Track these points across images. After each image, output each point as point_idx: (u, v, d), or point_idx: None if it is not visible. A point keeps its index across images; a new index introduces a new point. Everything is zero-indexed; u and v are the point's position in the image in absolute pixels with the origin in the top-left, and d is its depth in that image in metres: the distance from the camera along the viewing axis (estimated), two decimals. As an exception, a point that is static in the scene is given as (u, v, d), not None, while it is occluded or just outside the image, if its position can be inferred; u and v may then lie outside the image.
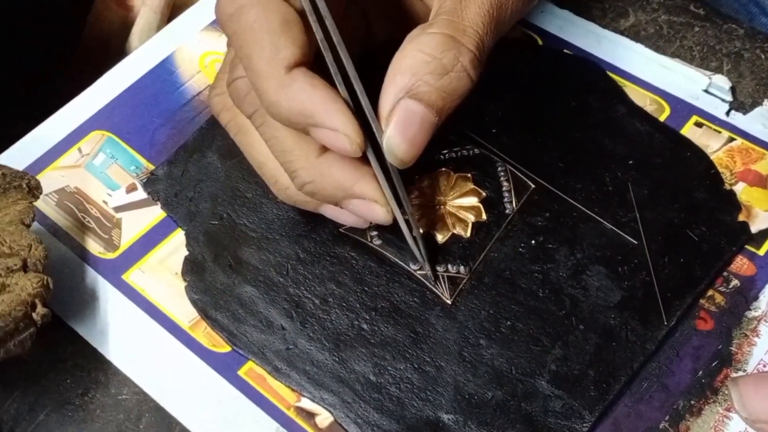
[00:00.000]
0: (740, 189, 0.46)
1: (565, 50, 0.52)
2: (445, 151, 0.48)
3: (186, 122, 0.51)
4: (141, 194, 0.48)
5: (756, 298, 0.43)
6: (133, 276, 0.45)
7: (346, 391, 0.42)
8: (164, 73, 0.53)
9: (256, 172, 0.44)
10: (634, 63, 0.51)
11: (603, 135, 0.48)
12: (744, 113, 0.49)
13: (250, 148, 0.43)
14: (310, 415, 0.41)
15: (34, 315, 0.40)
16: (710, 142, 0.48)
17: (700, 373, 0.42)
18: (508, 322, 0.43)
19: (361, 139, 0.38)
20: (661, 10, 0.53)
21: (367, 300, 0.44)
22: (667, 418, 0.41)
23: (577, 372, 0.41)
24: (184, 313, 0.44)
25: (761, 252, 0.45)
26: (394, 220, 0.42)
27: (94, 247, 0.47)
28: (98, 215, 0.48)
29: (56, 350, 0.44)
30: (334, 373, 0.42)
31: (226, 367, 0.43)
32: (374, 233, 0.45)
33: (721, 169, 0.47)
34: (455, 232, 0.45)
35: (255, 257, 0.45)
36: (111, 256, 0.46)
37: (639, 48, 0.52)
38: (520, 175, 0.47)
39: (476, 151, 0.48)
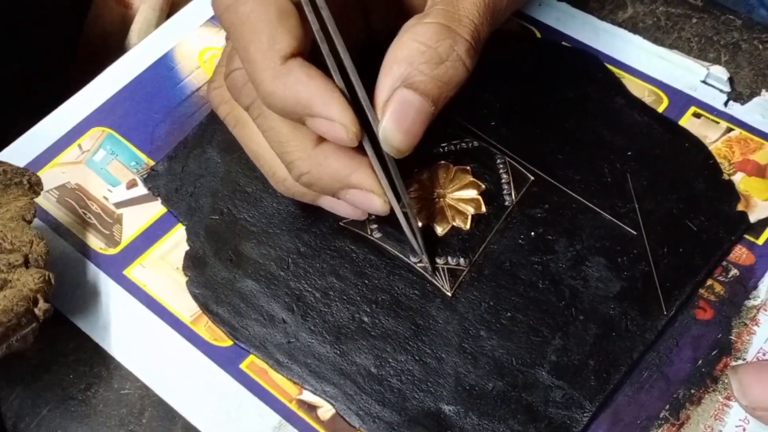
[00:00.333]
0: (739, 179, 0.47)
1: (563, 42, 0.52)
2: (444, 144, 0.48)
3: (186, 118, 0.51)
4: (141, 190, 0.48)
5: (755, 287, 0.43)
6: (134, 271, 0.46)
7: (348, 384, 0.42)
8: (164, 68, 0.53)
9: (256, 167, 0.44)
10: (632, 54, 0.51)
11: (602, 126, 0.49)
12: (742, 104, 0.49)
13: (248, 140, 0.43)
14: (311, 408, 0.42)
15: (36, 310, 0.40)
16: (708, 133, 0.48)
17: (700, 362, 0.42)
18: (509, 314, 0.43)
19: (358, 129, 0.38)
20: (658, 1, 0.53)
21: (368, 293, 0.44)
22: (667, 407, 0.41)
23: (577, 362, 0.42)
24: (186, 307, 0.44)
25: (760, 241, 0.45)
26: (392, 211, 0.42)
27: (95, 242, 0.47)
28: (99, 211, 0.48)
29: (58, 346, 0.44)
30: (335, 366, 0.42)
31: (227, 360, 0.43)
32: (374, 226, 0.45)
33: (719, 160, 0.47)
34: (455, 224, 0.45)
35: (256, 251, 0.46)
36: (112, 251, 0.46)
37: (637, 40, 0.52)
38: (519, 167, 0.47)
39: (475, 143, 0.48)
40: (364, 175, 0.40)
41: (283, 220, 0.46)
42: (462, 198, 0.46)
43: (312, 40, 0.39)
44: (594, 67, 0.51)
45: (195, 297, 0.45)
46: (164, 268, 0.46)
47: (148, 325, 0.44)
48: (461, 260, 0.45)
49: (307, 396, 0.42)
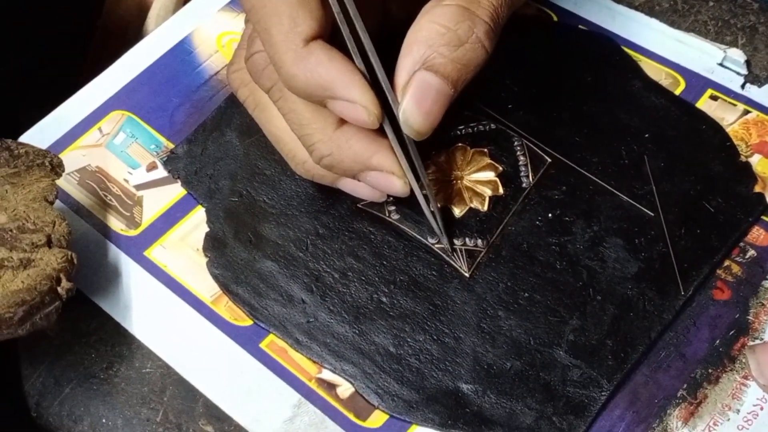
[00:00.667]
0: (756, 161, 0.47)
1: (580, 26, 0.52)
2: (461, 127, 0.48)
3: (204, 101, 0.51)
4: (161, 172, 0.49)
5: (772, 268, 0.44)
6: (155, 252, 0.46)
7: (367, 363, 0.42)
8: (182, 53, 0.53)
9: (275, 149, 0.45)
10: (649, 38, 0.51)
11: (619, 109, 0.49)
12: (759, 86, 0.49)
13: (268, 123, 0.44)
14: (331, 386, 0.42)
15: (59, 289, 0.41)
16: (726, 115, 0.48)
17: (718, 341, 0.42)
18: (526, 294, 0.43)
19: (379, 111, 0.39)
20: (675, -15, 0.53)
21: (386, 273, 0.44)
22: (684, 386, 0.41)
23: (594, 342, 0.42)
24: (206, 287, 0.45)
25: (777, 223, 0.45)
26: (411, 193, 0.42)
27: (116, 224, 0.47)
28: (119, 193, 0.48)
29: (80, 325, 0.44)
30: (354, 345, 0.43)
31: (248, 340, 0.43)
32: (392, 208, 0.46)
33: (736, 142, 0.47)
34: (472, 206, 0.46)
35: (275, 233, 0.46)
36: (133, 233, 0.47)
37: (654, 23, 0.52)
38: (536, 149, 0.47)
39: (492, 126, 0.48)
40: (384, 157, 0.41)
41: (302, 202, 0.47)
42: (479, 180, 0.46)
43: (332, 23, 0.39)
44: (611, 51, 0.51)
45: (215, 277, 0.45)
46: (184, 249, 0.46)
47: (168, 304, 0.45)
48: (479, 241, 0.45)
49: (327, 375, 0.42)
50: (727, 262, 0.44)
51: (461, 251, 0.45)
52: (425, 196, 0.43)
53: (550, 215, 0.45)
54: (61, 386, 0.43)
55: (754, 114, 0.48)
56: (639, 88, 0.49)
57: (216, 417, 0.42)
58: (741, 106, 0.49)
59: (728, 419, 0.40)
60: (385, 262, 0.45)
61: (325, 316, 0.43)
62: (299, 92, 0.39)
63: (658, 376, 0.41)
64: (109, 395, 0.43)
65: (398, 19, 0.45)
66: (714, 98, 0.49)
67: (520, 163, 0.47)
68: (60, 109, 0.51)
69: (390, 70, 0.40)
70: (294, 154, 0.43)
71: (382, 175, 0.41)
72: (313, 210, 0.47)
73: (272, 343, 0.43)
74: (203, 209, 0.47)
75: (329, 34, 0.39)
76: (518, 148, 0.47)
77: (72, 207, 0.48)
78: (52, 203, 0.44)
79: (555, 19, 0.53)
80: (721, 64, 0.50)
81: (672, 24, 0.52)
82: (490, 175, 0.46)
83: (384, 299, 0.44)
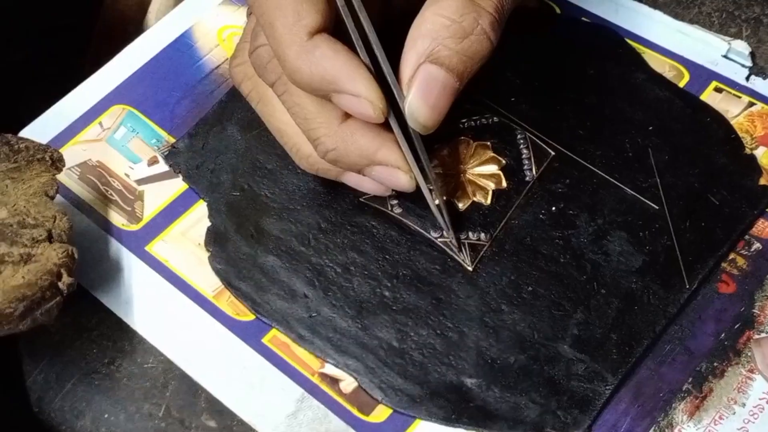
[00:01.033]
0: (761, 153, 0.46)
1: (583, 18, 0.52)
2: (464, 120, 0.48)
3: (205, 95, 0.51)
4: (162, 167, 0.49)
5: (778, 261, 0.43)
6: (156, 247, 0.46)
7: (370, 357, 0.42)
8: (183, 47, 0.53)
9: (276, 143, 0.44)
10: (653, 30, 0.51)
11: (622, 102, 0.48)
12: (764, 78, 0.49)
13: (271, 117, 0.43)
14: (334, 381, 0.42)
15: (60, 284, 0.40)
16: (730, 107, 0.48)
17: (723, 335, 0.42)
18: (530, 288, 0.43)
19: (384, 105, 0.38)
20: (679, -23, 0.53)
21: (389, 268, 0.44)
22: (690, 380, 0.41)
23: (599, 336, 0.42)
24: (208, 282, 0.45)
25: (783, 215, 0.45)
26: (416, 187, 0.42)
27: (117, 219, 0.47)
28: (120, 188, 0.48)
29: (82, 321, 0.44)
30: (357, 340, 0.42)
31: (250, 335, 0.43)
32: (394, 202, 0.45)
33: (741, 134, 0.47)
34: (475, 199, 0.45)
35: (277, 227, 0.46)
36: (134, 227, 0.47)
37: (657, 15, 0.52)
38: (539, 142, 0.47)
39: (495, 119, 0.48)
40: (390, 151, 0.40)
41: (304, 196, 0.47)
42: (482, 173, 0.46)
43: (336, 15, 0.39)
44: (614, 43, 0.51)
45: (217, 272, 0.45)
46: (186, 243, 0.46)
47: (170, 299, 0.44)
48: (482, 235, 0.45)
49: (330, 369, 0.42)
50: (732, 255, 0.44)
51: (465, 245, 0.44)
52: (430, 191, 0.43)
53: (553, 209, 0.45)
54: (62, 382, 0.43)
55: (759, 106, 0.48)
56: (643, 80, 0.49)
57: (218, 412, 0.41)
58: (746, 98, 0.48)
59: (734, 413, 0.40)
60: (387, 257, 0.44)
61: (328, 311, 0.43)
62: (304, 86, 0.39)
63: (663, 369, 0.41)
64: (111, 390, 0.42)
65: (402, 9, 0.45)
66: (718, 90, 0.49)
67: (524, 156, 0.47)
68: (60, 104, 0.51)
69: (394, 62, 0.39)
70: (298, 148, 0.43)
71: (388, 170, 0.41)
72: (315, 204, 0.46)
73: (275, 337, 0.43)
74: (205, 204, 0.47)
75: (333, 27, 0.39)
76: (521, 141, 0.47)
77: (73, 202, 0.48)
78: (52, 198, 0.44)
79: (558, 11, 0.53)
80: (725, 56, 0.50)
81: (676, 16, 0.51)
82: (493, 168, 0.46)
83: (387, 293, 0.43)
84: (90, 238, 0.46)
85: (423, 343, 0.42)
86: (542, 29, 0.52)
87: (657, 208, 0.45)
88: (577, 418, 0.40)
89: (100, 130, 0.50)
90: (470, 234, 0.45)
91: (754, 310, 0.42)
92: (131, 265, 0.45)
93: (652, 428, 0.40)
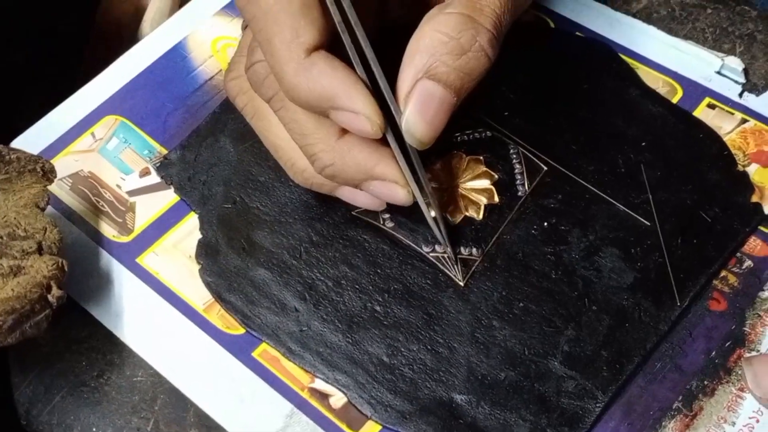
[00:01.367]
0: (753, 170, 0.46)
1: (577, 33, 0.52)
2: (457, 134, 0.48)
3: (198, 107, 0.51)
4: (154, 178, 0.48)
5: (769, 278, 0.43)
6: (147, 259, 0.46)
7: (360, 372, 0.42)
8: (177, 57, 0.53)
9: (269, 155, 0.44)
10: (647, 45, 0.51)
11: (616, 117, 0.48)
12: (757, 95, 0.49)
13: (267, 132, 0.43)
14: (323, 396, 0.42)
15: (49, 297, 0.40)
16: (723, 124, 0.48)
17: (714, 353, 0.42)
18: (521, 304, 0.43)
19: (382, 121, 0.38)
20: (673, -8, 0.53)
21: (380, 282, 0.44)
22: (680, 398, 0.41)
23: (590, 353, 0.42)
24: (198, 295, 0.44)
25: (775, 233, 0.45)
26: (413, 201, 0.42)
27: (108, 230, 0.47)
28: (112, 199, 0.48)
29: (71, 333, 0.44)
30: (347, 355, 0.42)
31: (240, 349, 0.43)
32: (387, 216, 0.45)
33: (734, 151, 0.47)
34: (468, 214, 0.45)
35: (268, 240, 0.46)
36: (125, 239, 0.46)
37: (651, 30, 0.52)
38: (532, 157, 0.47)
39: (488, 133, 0.48)
40: (387, 166, 0.40)
41: (296, 209, 0.46)
42: (475, 188, 0.46)
43: (333, 32, 0.39)
44: (608, 58, 0.51)
45: (207, 285, 0.45)
46: (177, 256, 0.46)
47: (160, 312, 0.44)
48: (474, 250, 0.44)
49: (319, 384, 0.42)
50: (723, 273, 0.44)
51: (456, 260, 0.44)
52: (427, 204, 0.43)
53: (545, 224, 0.45)
54: (51, 395, 0.43)
55: (752, 123, 0.48)
56: (636, 95, 0.49)
57: (207, 427, 0.41)
58: (739, 115, 0.48)
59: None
60: (379, 271, 0.44)
61: (319, 325, 0.43)
62: (301, 103, 0.39)
63: (654, 387, 0.41)
64: (100, 404, 0.42)
65: (399, 22, 0.45)
66: (711, 107, 0.49)
67: (516, 171, 0.47)
68: (52, 114, 0.51)
69: (391, 77, 0.39)
70: (293, 163, 0.43)
71: (385, 185, 0.41)
72: (307, 217, 0.46)
73: (265, 351, 0.43)
74: (196, 216, 0.47)
75: (330, 43, 0.39)
76: (514, 156, 0.47)
77: (64, 213, 0.47)
78: (43, 209, 0.44)
79: (552, 25, 0.53)
80: (719, 73, 0.50)
81: (670, 31, 0.51)
82: (485, 183, 0.46)
83: (378, 308, 0.43)
84: (81, 250, 0.46)
85: (413, 358, 0.42)
86: (536, 43, 0.52)
87: (649, 224, 0.45)
88: (566, 436, 0.40)
89: (92, 141, 0.50)
90: (462, 249, 0.44)
91: (745, 329, 0.42)
92: (122, 277, 0.45)
93: (642, 446, 0.40)
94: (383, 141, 0.40)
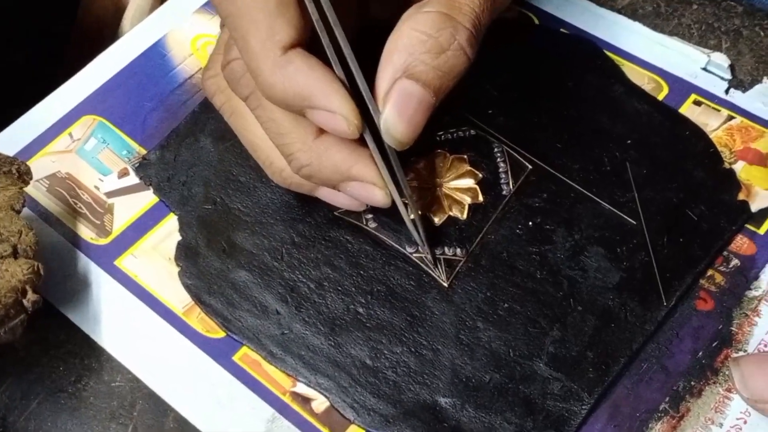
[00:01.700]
0: (740, 167, 0.46)
1: (561, 29, 0.51)
2: (440, 133, 0.47)
3: (178, 106, 0.50)
4: (133, 179, 0.48)
5: (756, 277, 0.43)
6: (125, 262, 0.45)
7: (342, 376, 0.41)
8: (156, 56, 0.52)
9: (250, 156, 0.44)
10: (632, 42, 0.51)
11: (601, 114, 0.48)
12: (743, 91, 0.48)
13: (245, 130, 0.42)
14: (306, 400, 0.41)
15: (24, 301, 0.40)
16: (709, 121, 0.47)
17: (701, 353, 0.41)
18: (506, 305, 0.42)
19: (359, 121, 0.38)
20: (658, -13, 0.53)
21: (363, 284, 0.43)
22: (667, 399, 0.40)
23: (575, 354, 0.41)
24: (178, 298, 0.44)
25: (761, 231, 0.44)
26: (392, 203, 0.41)
27: (86, 232, 0.46)
28: (90, 201, 0.47)
29: (48, 337, 0.43)
30: (329, 358, 0.41)
31: (220, 352, 0.42)
32: (369, 216, 0.45)
33: (720, 148, 0.46)
34: (451, 214, 0.45)
35: (249, 242, 0.45)
36: (103, 241, 0.46)
37: (636, 26, 0.51)
38: (516, 155, 0.46)
39: (472, 132, 0.47)
40: (365, 167, 0.40)
41: (277, 209, 0.46)
42: (459, 187, 0.45)
43: (311, 30, 0.38)
44: (593, 55, 0.50)
45: (187, 288, 0.44)
46: (156, 258, 0.45)
47: (139, 316, 0.43)
48: (458, 250, 0.44)
49: (301, 388, 0.41)
50: (710, 272, 0.43)
51: (440, 260, 0.44)
52: (406, 205, 0.42)
53: (530, 223, 0.45)
54: (28, 400, 0.42)
55: (738, 120, 0.47)
56: (621, 93, 0.49)
57: (187, 432, 0.41)
58: (725, 112, 0.48)
59: (711, 433, 0.39)
60: (362, 272, 0.44)
61: (300, 328, 0.42)
62: (277, 101, 0.38)
63: (640, 388, 0.40)
64: (78, 410, 0.41)
65: (379, 21, 0.44)
66: (697, 103, 0.48)
67: (500, 170, 0.46)
68: (29, 114, 0.50)
69: (370, 76, 0.39)
70: (271, 162, 0.42)
71: (363, 186, 0.40)
72: (288, 218, 0.45)
73: (245, 355, 0.42)
74: (176, 217, 0.46)
75: (308, 42, 0.38)
76: (498, 154, 0.46)
77: (41, 215, 0.47)
78: (18, 212, 0.43)
79: (536, 22, 0.52)
80: (704, 69, 0.49)
81: (655, 27, 0.51)
82: (469, 182, 0.46)
83: (360, 310, 0.43)
84: (58, 253, 0.45)
85: (397, 361, 0.41)
86: (520, 40, 0.51)
87: (635, 223, 0.44)
88: (552, 439, 0.39)
89: (69, 141, 0.49)
90: (446, 249, 0.44)
91: (732, 328, 0.42)
92: (100, 280, 0.44)
93: (629, 449, 0.39)
94: (361, 141, 0.39)
